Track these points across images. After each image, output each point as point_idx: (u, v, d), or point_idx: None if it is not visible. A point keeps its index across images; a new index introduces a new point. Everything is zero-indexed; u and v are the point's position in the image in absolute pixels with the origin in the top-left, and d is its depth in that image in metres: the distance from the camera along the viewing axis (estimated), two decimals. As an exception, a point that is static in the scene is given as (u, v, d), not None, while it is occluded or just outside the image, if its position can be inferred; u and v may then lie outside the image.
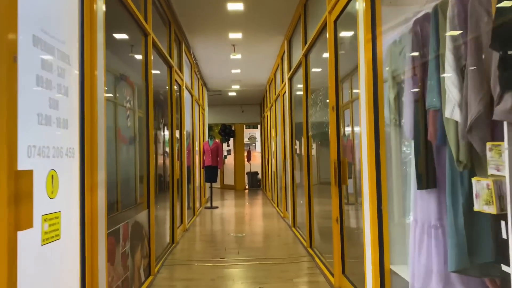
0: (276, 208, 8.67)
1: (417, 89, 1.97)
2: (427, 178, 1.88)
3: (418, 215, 1.94)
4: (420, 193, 1.93)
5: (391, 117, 2.39)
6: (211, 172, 8.92)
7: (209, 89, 11.01)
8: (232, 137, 14.10)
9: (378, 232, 2.42)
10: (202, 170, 9.15)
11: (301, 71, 5.24)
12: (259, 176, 14.06)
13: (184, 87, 6.39)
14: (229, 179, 14.33)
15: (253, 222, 7.07)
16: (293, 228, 6.19)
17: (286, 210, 7.30)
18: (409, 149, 2.12)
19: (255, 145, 15.07)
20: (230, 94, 11.96)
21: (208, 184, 9.64)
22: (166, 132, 5.26)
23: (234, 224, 6.96)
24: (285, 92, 6.76)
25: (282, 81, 7.26)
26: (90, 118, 2.32)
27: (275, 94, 8.63)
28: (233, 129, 14.07)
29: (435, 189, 1.88)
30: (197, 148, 8.65)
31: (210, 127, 13.69)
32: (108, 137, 2.82)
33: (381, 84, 2.41)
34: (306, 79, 4.97)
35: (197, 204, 8.43)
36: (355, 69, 2.75)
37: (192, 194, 7.73)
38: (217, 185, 14.02)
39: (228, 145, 14.52)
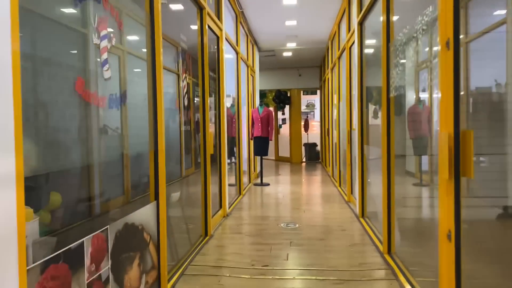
0: (338, 188, 7.27)
1: None
2: None
3: None
4: None
5: None
6: (261, 144, 7.67)
7: (260, 48, 9.60)
8: (287, 104, 12.68)
9: None
10: (250, 142, 7.94)
11: (379, 7, 3.70)
12: (318, 148, 12.60)
13: (223, 38, 5.09)
14: (285, 151, 13.03)
15: (310, 207, 5.77)
16: (361, 219, 4.82)
17: (352, 193, 5.90)
18: None
19: (313, 113, 13.53)
20: (285, 54, 10.45)
21: (258, 158, 8.45)
22: (196, 96, 4.05)
23: (286, 208, 5.72)
24: (353, 42, 5.20)
25: (349, 30, 5.68)
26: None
27: (338, 50, 7.04)
28: (288, 95, 12.62)
29: None
30: (244, 116, 7.41)
31: (263, 94, 12.37)
32: (43, 95, 1.63)
33: None
34: (388, 14, 3.43)
35: (245, 180, 7.28)
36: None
37: (238, 170, 6.57)
38: (271, 157, 12.83)
39: (283, 113, 13.13)
